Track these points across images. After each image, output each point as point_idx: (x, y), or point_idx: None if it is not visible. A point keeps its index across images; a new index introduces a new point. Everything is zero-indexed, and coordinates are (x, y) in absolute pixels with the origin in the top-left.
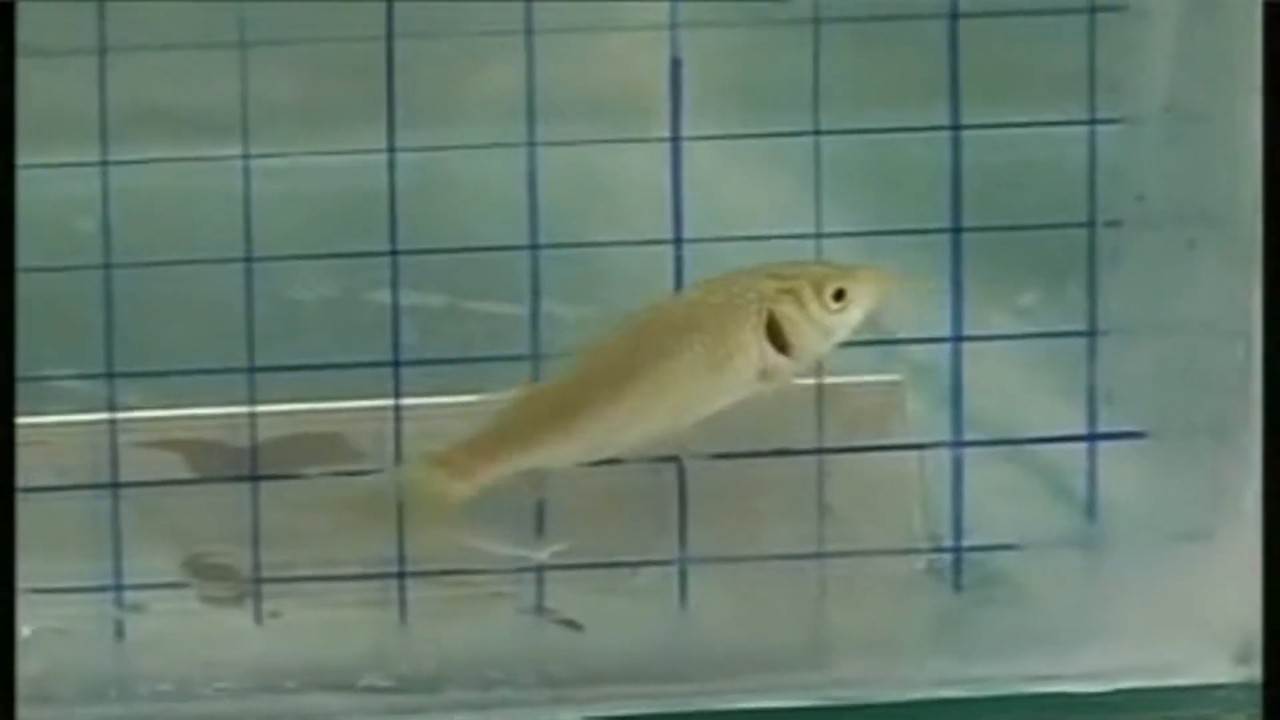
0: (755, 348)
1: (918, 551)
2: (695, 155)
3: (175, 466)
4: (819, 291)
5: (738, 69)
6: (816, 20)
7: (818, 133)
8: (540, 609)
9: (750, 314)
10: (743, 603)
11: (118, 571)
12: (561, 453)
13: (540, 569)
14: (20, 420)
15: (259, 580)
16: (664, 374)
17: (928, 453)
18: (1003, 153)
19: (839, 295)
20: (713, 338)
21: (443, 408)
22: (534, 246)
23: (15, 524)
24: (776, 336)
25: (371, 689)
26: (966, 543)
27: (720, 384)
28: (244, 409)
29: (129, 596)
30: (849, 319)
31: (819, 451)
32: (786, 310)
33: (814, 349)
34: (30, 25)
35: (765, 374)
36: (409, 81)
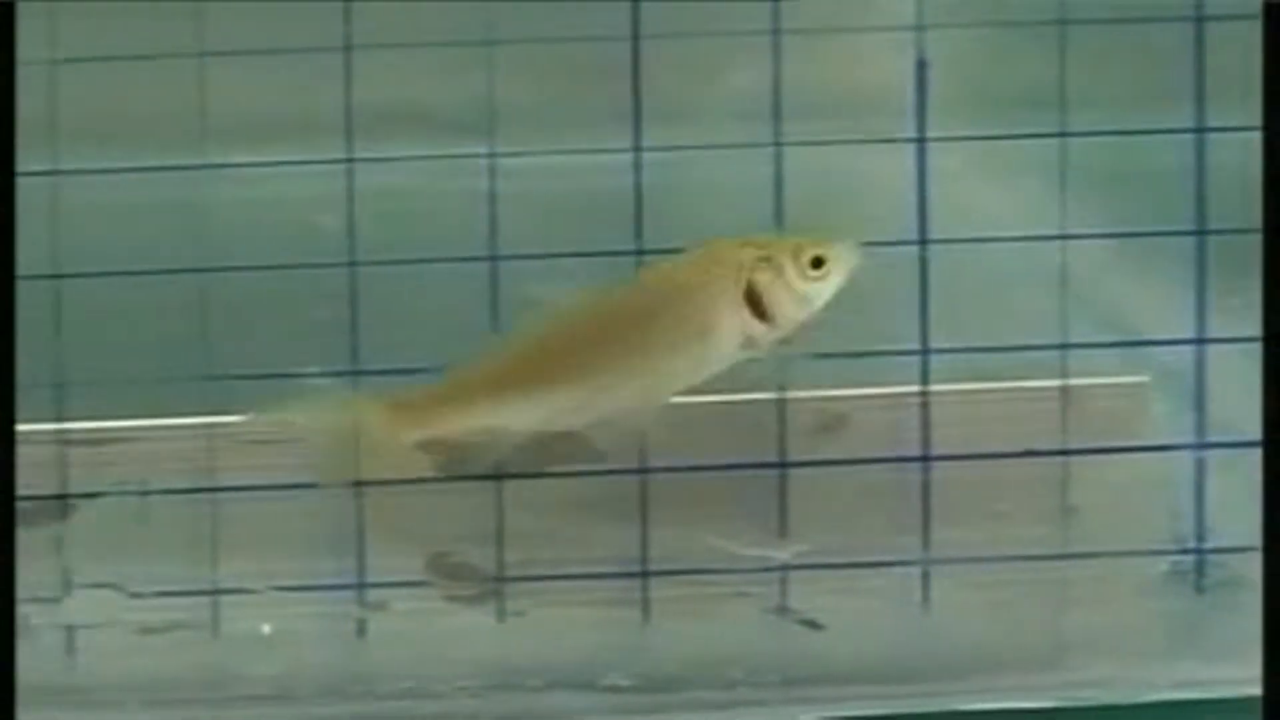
0: (736, 316)
1: (1161, 554)
2: (939, 157)
3: (420, 465)
4: (796, 258)
5: (982, 70)
6: (1062, 22)
7: (1063, 135)
8: (782, 609)
9: (729, 283)
10: (984, 604)
11: (360, 569)
12: (521, 416)
13: (783, 569)
14: (267, 417)
15: (501, 579)
16: (642, 343)
17: (1171, 455)
18: (1247, 154)
19: (816, 263)
20: (692, 307)
21: (687, 407)
22: None
23: (14, 525)
24: (756, 305)
25: (613, 688)
26: (1209, 545)
27: (701, 354)
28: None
29: (371, 595)
30: (827, 287)
31: (1063, 453)
32: (765, 278)
33: (793, 316)
34: (276, 24)
35: (746, 343)
36: (653, 81)
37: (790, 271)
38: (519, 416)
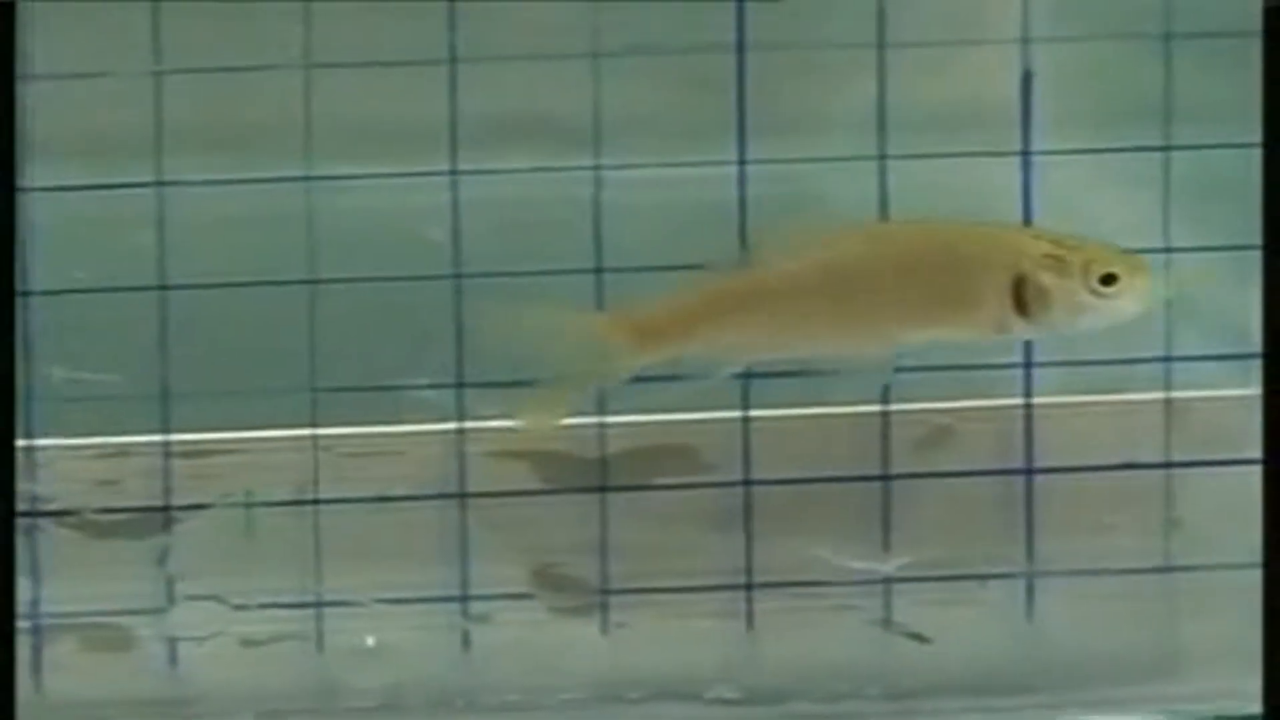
0: (997, 300)
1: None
2: (1048, 170)
3: (523, 477)
4: (1085, 269)
5: (1089, 83)
6: (1168, 36)
7: (1167, 148)
8: (887, 621)
9: (1002, 268)
10: (1089, 616)
11: (464, 582)
12: (761, 342)
13: (887, 581)
14: (374, 430)
15: (605, 591)
16: (904, 290)
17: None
18: None
19: (1108, 279)
20: (964, 276)
21: (791, 420)
22: None
23: (15, 527)
24: (1020, 297)
25: (718, 700)
26: None
27: (955, 319)
28: (593, 419)
29: (475, 607)
30: (1116, 307)
31: (1166, 465)
32: (1043, 276)
33: (1060, 322)
34: (380, 36)
35: (999, 327)
36: (761, 94)
37: (1075, 278)
38: (759, 342)
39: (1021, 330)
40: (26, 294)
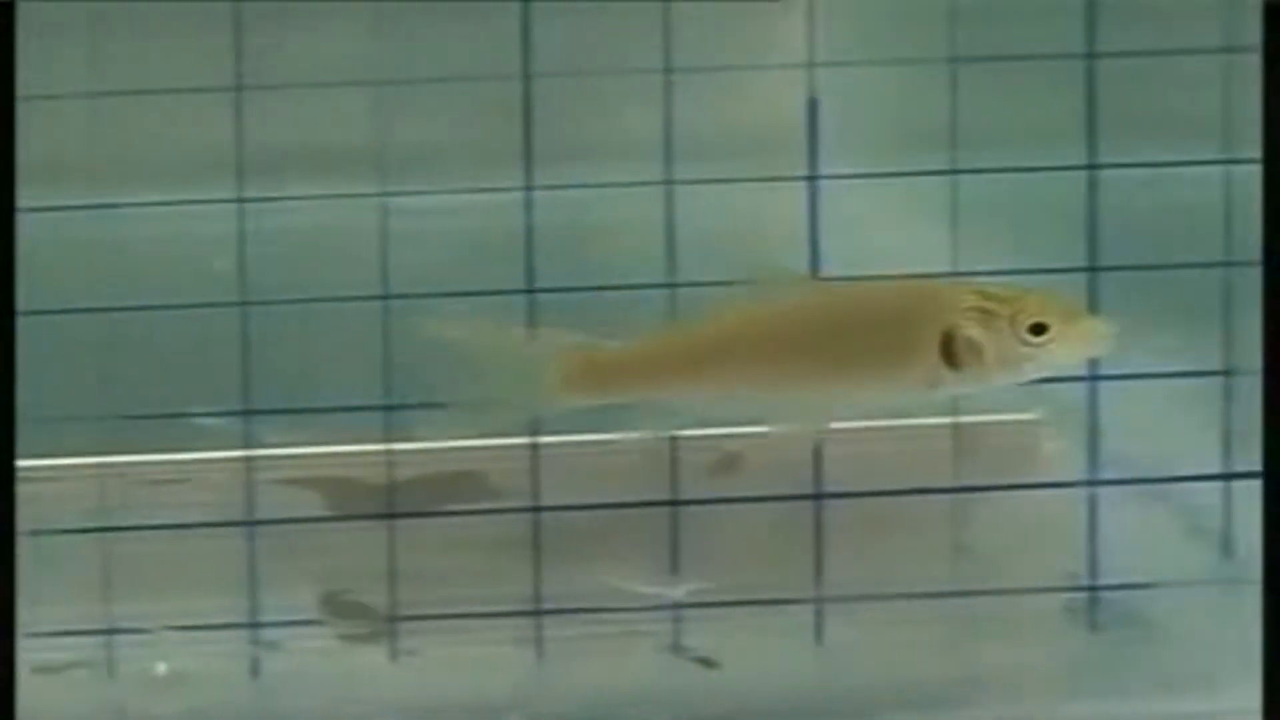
0: (927, 355)
1: (1054, 591)
2: (834, 195)
3: (313, 504)
4: (1013, 320)
5: (875, 109)
6: (954, 60)
7: (955, 171)
8: (677, 647)
9: (929, 322)
10: (879, 642)
11: (254, 609)
12: (700, 395)
13: (677, 607)
14: (161, 457)
15: (395, 618)
16: (838, 348)
17: (1065, 492)
18: (1140, 193)
19: (1038, 329)
20: (892, 332)
21: (580, 445)
22: (671, 285)
23: (15, 530)
24: (949, 351)
25: None
26: (1103, 582)
27: (888, 375)
28: (381, 446)
29: (265, 634)
30: (1046, 356)
31: (953, 490)
32: (970, 329)
33: (994, 375)
34: (168, 63)
35: (932, 382)
36: (547, 121)
37: (1003, 330)
38: (697, 395)
39: (955, 384)
40: None
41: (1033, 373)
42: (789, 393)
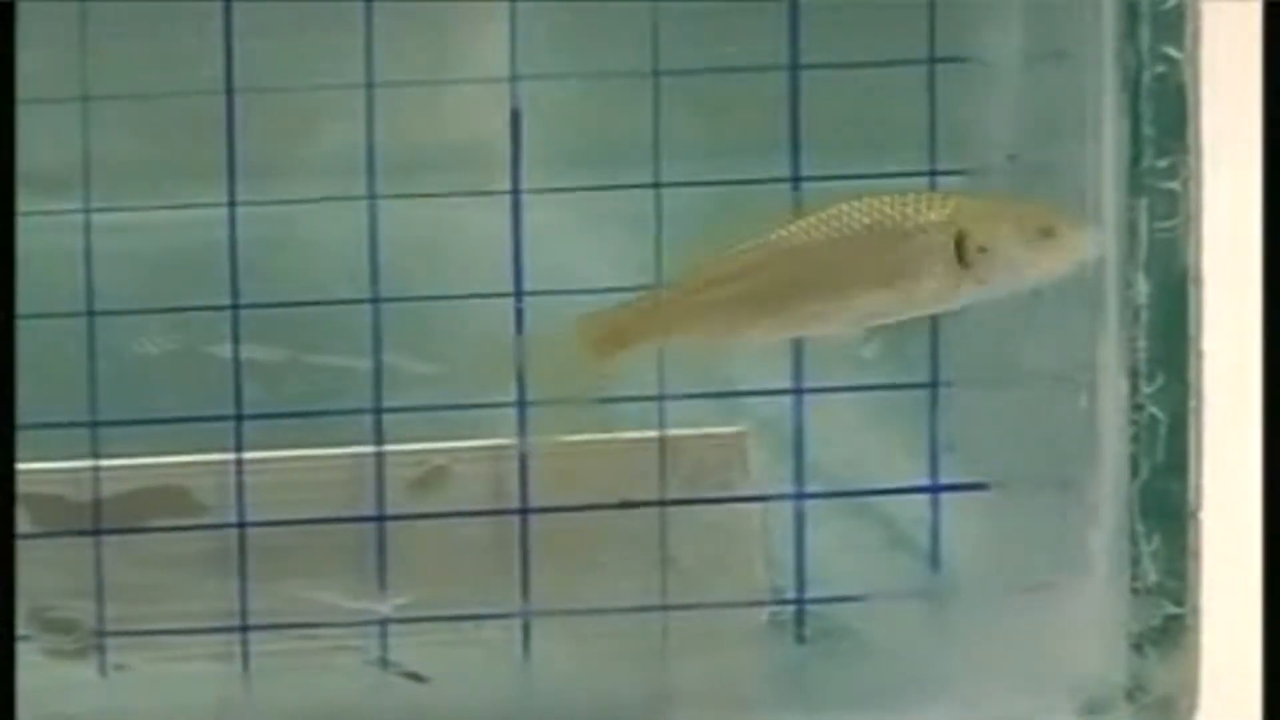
0: (943, 262)
1: (760, 604)
2: (535, 209)
3: (17, 520)
4: (1021, 224)
5: (577, 122)
6: (656, 73)
7: (657, 185)
8: (384, 662)
9: (940, 231)
10: (586, 656)
11: None
12: (734, 328)
13: (384, 621)
14: None
15: (103, 633)
16: (857, 263)
17: (771, 505)
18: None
19: (1046, 233)
20: (902, 244)
21: (285, 461)
22: (375, 300)
23: (14, 529)
24: (963, 256)
25: None
26: (809, 595)
27: (907, 290)
28: (87, 463)
29: None
30: (1049, 261)
31: (660, 504)
32: (982, 233)
33: (1002, 280)
34: None
35: (949, 287)
36: (249, 136)
37: (1012, 236)
38: (727, 331)
39: (973, 289)
40: None
41: (1035, 277)
42: (814, 314)
